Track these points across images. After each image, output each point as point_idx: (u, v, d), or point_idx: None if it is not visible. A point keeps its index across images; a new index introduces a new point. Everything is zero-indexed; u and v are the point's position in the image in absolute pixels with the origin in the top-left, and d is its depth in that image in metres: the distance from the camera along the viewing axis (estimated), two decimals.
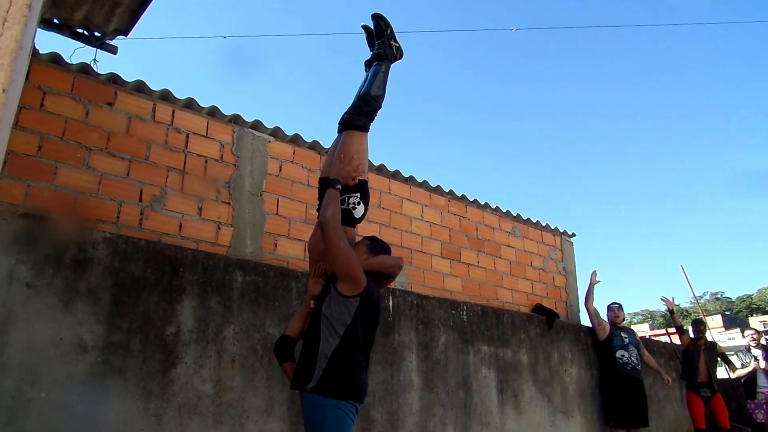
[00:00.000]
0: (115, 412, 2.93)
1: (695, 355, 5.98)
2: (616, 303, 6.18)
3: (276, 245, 4.33)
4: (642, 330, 31.88)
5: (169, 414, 3.10)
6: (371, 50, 3.14)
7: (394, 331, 4.38)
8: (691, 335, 6.30)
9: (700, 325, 6.26)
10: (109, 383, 2.95)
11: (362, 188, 2.83)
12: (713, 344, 6.31)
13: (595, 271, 6.12)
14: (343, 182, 2.69)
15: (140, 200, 3.73)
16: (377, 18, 3.07)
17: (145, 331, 3.16)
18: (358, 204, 2.78)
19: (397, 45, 3.03)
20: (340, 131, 3.02)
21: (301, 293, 3.90)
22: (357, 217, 2.79)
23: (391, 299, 4.47)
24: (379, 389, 4.08)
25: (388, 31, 3.03)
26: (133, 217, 3.67)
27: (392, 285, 4.88)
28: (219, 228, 4.05)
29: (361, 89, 2.99)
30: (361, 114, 2.92)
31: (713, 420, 5.84)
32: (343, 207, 2.67)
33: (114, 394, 2.95)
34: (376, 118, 2.96)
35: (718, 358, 6.32)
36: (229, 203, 4.14)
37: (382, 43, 3.01)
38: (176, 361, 3.22)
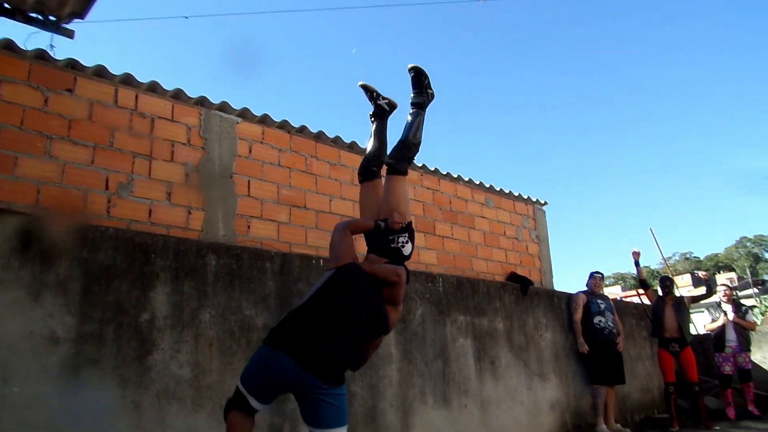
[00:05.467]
0: (92, 402, 2.93)
1: (662, 311, 6.17)
2: (599, 273, 6.34)
3: (249, 227, 4.32)
4: (614, 292, 32.70)
5: (148, 400, 3.12)
6: (372, 103, 3.44)
7: None
8: (660, 293, 6.48)
9: (666, 282, 6.44)
10: (84, 374, 2.94)
11: (409, 228, 3.13)
12: (681, 299, 6.48)
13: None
14: (393, 228, 3.03)
15: (107, 188, 3.68)
16: (416, 70, 3.26)
17: (118, 319, 3.14)
18: (407, 243, 3.08)
19: (432, 91, 3.25)
20: (371, 172, 3.34)
21: (276, 274, 3.91)
22: (405, 254, 3.07)
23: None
24: None
25: (426, 81, 3.24)
26: (100, 206, 3.62)
27: None
28: (190, 212, 4.02)
29: (404, 136, 3.22)
30: (403, 160, 3.17)
31: (682, 374, 6.08)
32: (393, 245, 3.01)
33: (90, 384, 2.95)
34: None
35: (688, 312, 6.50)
36: (199, 187, 4.10)
37: (421, 92, 3.22)
38: (152, 348, 3.22)
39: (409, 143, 3.18)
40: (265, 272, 3.88)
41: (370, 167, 3.35)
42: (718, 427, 5.60)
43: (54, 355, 2.87)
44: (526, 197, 6.85)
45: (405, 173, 3.18)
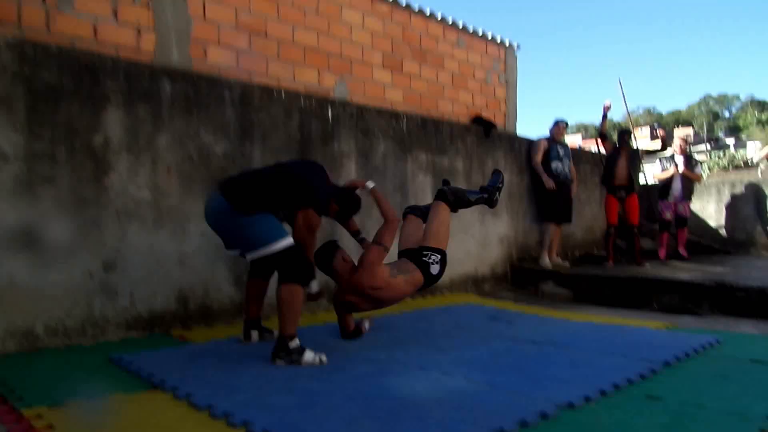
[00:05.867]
0: (50, 218, 2.98)
1: (616, 161, 6.39)
2: (564, 121, 6.37)
3: (206, 53, 4.10)
4: (575, 140, 33.34)
5: (108, 219, 3.19)
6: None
7: (334, 141, 4.44)
8: (617, 144, 6.64)
9: (625, 135, 6.59)
10: (39, 191, 2.95)
11: (443, 254, 3.26)
12: (635, 151, 6.71)
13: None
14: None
15: (44, 0, 3.37)
16: (499, 173, 3.89)
17: (70, 140, 3.08)
18: (436, 264, 3.21)
19: (497, 198, 3.77)
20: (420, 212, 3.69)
21: (235, 103, 3.82)
22: (432, 273, 3.20)
23: (330, 110, 4.45)
24: None
25: (498, 195, 3.77)
26: (37, 21, 3.34)
27: (331, 95, 4.84)
28: (139, 33, 3.77)
29: (466, 192, 3.67)
30: (454, 195, 3.52)
31: (625, 217, 6.49)
32: (423, 259, 3.19)
33: (45, 200, 2.97)
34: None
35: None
36: (147, 5, 3.79)
37: (492, 194, 3.73)
38: (108, 170, 3.21)
39: (466, 199, 3.60)
40: (224, 101, 3.77)
41: (419, 209, 3.77)
42: (648, 265, 6.13)
43: (3, 171, 2.84)
44: (498, 40, 6.62)
45: (450, 207, 3.49)
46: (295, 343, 2.71)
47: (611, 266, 6.08)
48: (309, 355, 2.70)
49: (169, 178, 3.46)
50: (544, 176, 6.04)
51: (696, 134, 29.72)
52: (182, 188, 3.52)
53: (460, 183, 5.44)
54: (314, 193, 2.94)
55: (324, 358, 2.73)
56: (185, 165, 3.54)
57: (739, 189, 8.15)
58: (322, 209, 3.06)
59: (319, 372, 2.55)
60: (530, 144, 6.34)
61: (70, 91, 3.10)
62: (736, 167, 10.41)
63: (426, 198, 5.08)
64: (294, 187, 2.90)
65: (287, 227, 2.92)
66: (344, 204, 3.24)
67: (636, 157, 6.56)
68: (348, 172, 4.50)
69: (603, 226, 6.84)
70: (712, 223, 8.30)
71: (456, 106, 6.06)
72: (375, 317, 3.70)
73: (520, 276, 5.82)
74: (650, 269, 5.77)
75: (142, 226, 3.32)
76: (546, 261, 5.97)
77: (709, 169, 11.16)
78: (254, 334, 3.18)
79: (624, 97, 8.52)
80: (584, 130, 38.68)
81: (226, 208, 2.76)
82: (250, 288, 3.21)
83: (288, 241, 2.79)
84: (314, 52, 4.79)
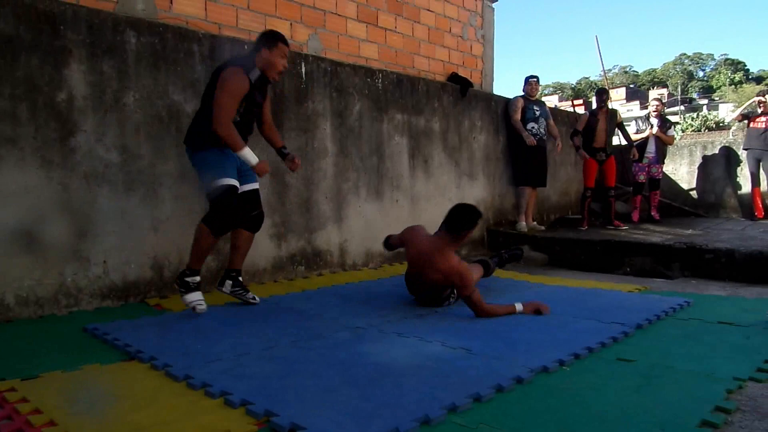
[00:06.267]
0: (15, 181, 2.85)
1: (595, 123, 6.39)
2: (534, 77, 6.29)
3: (171, 2, 3.88)
4: (552, 101, 33.38)
5: (76, 182, 3.06)
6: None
7: (308, 99, 4.32)
8: (596, 104, 6.62)
9: (603, 95, 6.56)
10: (1, 152, 2.80)
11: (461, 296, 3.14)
12: (614, 112, 6.69)
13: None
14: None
15: None
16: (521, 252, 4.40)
17: (31, 97, 2.91)
18: (450, 297, 3.29)
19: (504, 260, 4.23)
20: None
21: (205, 57, 3.66)
22: (444, 296, 3.27)
23: (303, 66, 4.31)
24: None
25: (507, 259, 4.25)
26: None
27: (304, 50, 4.67)
28: None
29: (492, 262, 3.99)
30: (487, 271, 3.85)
31: (601, 180, 6.54)
32: (443, 294, 3.25)
33: (9, 163, 2.83)
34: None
35: (617, 128, 6.81)
36: None
37: (507, 261, 4.25)
38: (74, 130, 3.07)
39: (490, 269, 3.90)
40: (193, 55, 3.61)
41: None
42: (624, 227, 6.23)
43: None
44: None
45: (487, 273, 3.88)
46: (192, 279, 2.90)
47: (586, 229, 6.17)
48: (191, 296, 2.89)
49: (138, 139, 3.32)
50: (524, 133, 5.97)
51: (670, 95, 29.92)
52: (153, 150, 3.39)
53: (436, 145, 5.40)
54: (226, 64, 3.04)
55: (202, 308, 2.90)
56: (155, 125, 3.40)
57: (711, 151, 8.28)
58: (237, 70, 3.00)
59: (297, 339, 2.54)
60: (507, 103, 6.27)
61: (28, 43, 2.91)
62: (709, 129, 10.55)
63: (401, 161, 5.03)
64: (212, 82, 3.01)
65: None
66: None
67: (614, 119, 6.55)
68: (323, 134, 4.40)
69: (579, 189, 6.91)
70: (684, 185, 8.46)
71: (432, 63, 5.93)
72: (353, 284, 3.73)
73: (497, 240, 5.87)
74: (624, 232, 5.88)
75: (112, 190, 3.20)
76: (522, 225, 6.01)
77: (682, 130, 11.28)
78: (227, 284, 3.22)
79: (600, 55, 8.49)
80: (560, 90, 38.57)
81: (188, 153, 3.09)
82: (231, 237, 3.24)
83: (222, 182, 2.90)
84: (287, 2, 4.59)
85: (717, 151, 8.22)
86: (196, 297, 2.89)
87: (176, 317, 2.94)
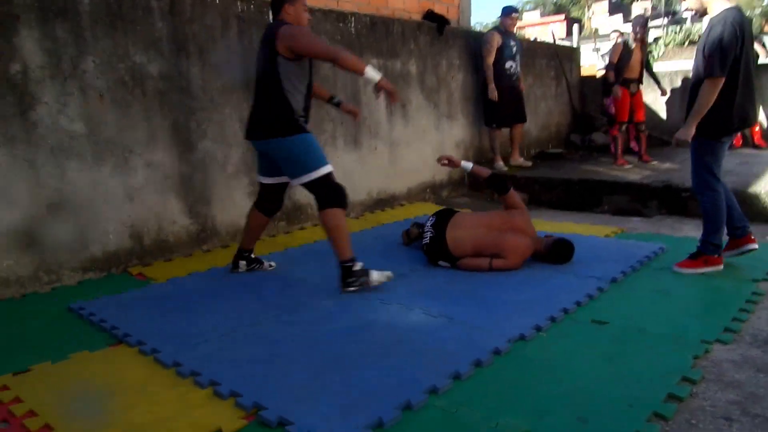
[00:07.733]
0: None
1: (631, 52, 6.04)
2: (515, 10, 6.01)
3: None
4: (533, 17, 32.23)
5: (42, 157, 2.96)
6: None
7: None
8: (636, 32, 6.14)
9: (645, 25, 6.12)
10: None
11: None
12: (646, 41, 6.31)
13: None
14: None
15: None
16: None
17: None
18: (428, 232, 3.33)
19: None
20: None
21: (165, 13, 3.46)
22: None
23: (271, 15, 4.08)
24: None
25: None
26: None
27: None
28: None
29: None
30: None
31: (631, 114, 6.10)
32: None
33: None
34: None
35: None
36: None
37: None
38: (33, 102, 2.93)
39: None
40: (152, 12, 3.40)
41: None
42: (655, 162, 6.00)
43: None
44: None
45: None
46: (358, 265, 2.79)
47: (627, 166, 5.87)
48: (375, 275, 2.80)
49: (103, 106, 3.19)
50: (490, 86, 5.73)
51: (654, 8, 29.13)
52: (119, 117, 3.26)
53: (414, 88, 5.27)
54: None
55: (390, 273, 2.83)
56: (119, 90, 3.26)
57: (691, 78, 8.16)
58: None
59: (281, 312, 2.58)
60: (482, 38, 5.94)
61: None
62: (692, 43, 10.29)
63: (379, 107, 4.91)
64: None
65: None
66: None
67: (646, 47, 6.17)
68: None
69: (559, 121, 6.83)
70: (663, 115, 8.42)
71: (407, 2, 5.67)
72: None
73: (478, 180, 5.85)
74: (603, 169, 5.89)
75: (81, 162, 3.11)
76: (500, 164, 5.97)
77: (665, 45, 11.02)
78: (242, 264, 3.22)
79: None
80: (543, 6, 37.20)
81: (268, 144, 2.89)
82: (250, 218, 3.19)
83: (326, 169, 2.83)
84: None
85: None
86: (377, 275, 2.81)
87: (160, 290, 2.96)
